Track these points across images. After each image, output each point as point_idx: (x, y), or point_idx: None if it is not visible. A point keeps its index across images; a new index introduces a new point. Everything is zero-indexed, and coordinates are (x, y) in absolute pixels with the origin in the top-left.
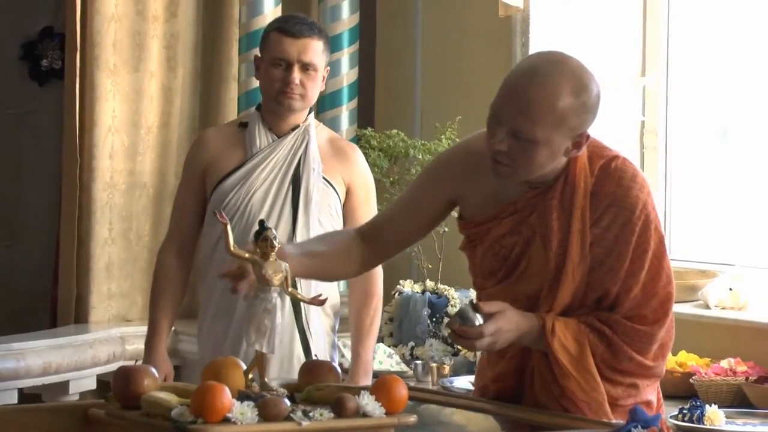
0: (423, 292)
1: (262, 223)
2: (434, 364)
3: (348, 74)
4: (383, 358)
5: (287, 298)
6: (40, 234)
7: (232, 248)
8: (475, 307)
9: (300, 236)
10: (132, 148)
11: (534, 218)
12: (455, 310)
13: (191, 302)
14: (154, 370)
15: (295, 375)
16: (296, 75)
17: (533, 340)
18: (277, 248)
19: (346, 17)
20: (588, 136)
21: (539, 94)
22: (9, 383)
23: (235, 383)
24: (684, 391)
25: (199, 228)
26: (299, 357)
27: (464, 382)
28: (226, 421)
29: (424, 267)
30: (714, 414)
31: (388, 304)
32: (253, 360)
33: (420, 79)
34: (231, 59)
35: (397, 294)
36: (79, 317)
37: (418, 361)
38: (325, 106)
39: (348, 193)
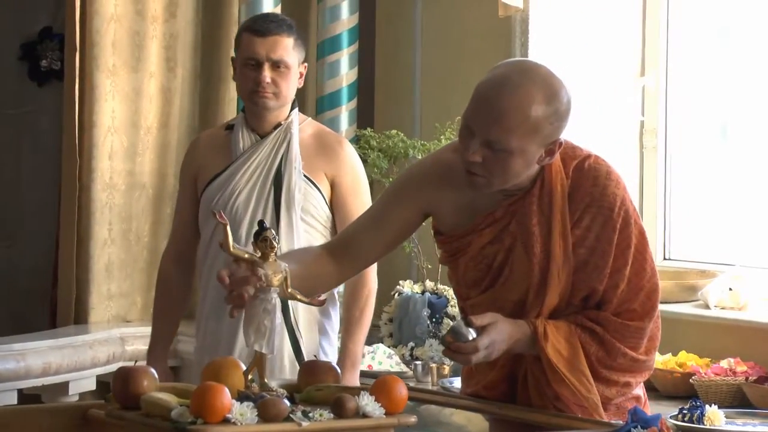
0: (423, 292)
1: (261, 223)
2: (434, 365)
3: (347, 74)
4: (383, 358)
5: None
6: (39, 234)
7: (231, 248)
8: (467, 322)
9: (284, 236)
10: (131, 148)
11: (514, 225)
12: (455, 310)
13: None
14: (153, 370)
15: (287, 375)
16: (267, 73)
17: (526, 346)
18: (276, 248)
19: (346, 17)
20: (561, 143)
21: (511, 104)
22: (9, 384)
23: (235, 384)
24: (684, 391)
25: (197, 232)
26: (290, 356)
27: None
28: (226, 421)
29: (424, 267)
30: (714, 414)
31: (388, 305)
32: (252, 360)
33: (419, 80)
34: (230, 59)
35: (396, 294)
36: (79, 318)
37: (418, 362)
38: (324, 106)
39: (334, 187)
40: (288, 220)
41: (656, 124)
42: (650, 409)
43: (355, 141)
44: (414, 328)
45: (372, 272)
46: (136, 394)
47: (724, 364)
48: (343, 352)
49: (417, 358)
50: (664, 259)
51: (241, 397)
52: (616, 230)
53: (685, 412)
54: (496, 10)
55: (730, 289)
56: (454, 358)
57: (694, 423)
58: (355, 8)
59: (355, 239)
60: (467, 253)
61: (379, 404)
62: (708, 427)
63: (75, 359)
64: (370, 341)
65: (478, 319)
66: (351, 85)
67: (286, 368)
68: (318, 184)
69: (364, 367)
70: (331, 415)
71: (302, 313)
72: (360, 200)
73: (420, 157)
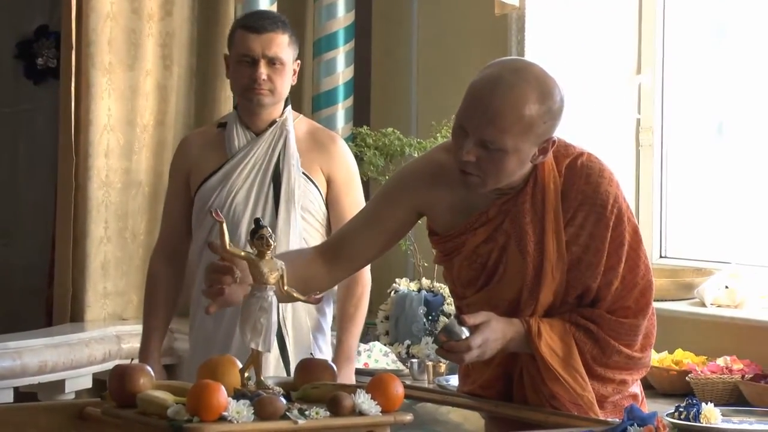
0: (419, 290)
1: (257, 221)
2: (430, 363)
3: (343, 72)
4: (379, 356)
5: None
6: (35, 232)
7: (228, 247)
8: (460, 321)
9: (282, 233)
10: (127, 146)
11: (507, 224)
12: (451, 308)
13: (185, 301)
14: (149, 368)
15: (271, 372)
16: (263, 70)
17: (520, 345)
18: (273, 246)
19: (342, 15)
20: (554, 142)
21: (506, 104)
22: (5, 382)
23: (231, 382)
24: (680, 389)
25: (188, 231)
26: (275, 353)
27: None
28: (222, 419)
29: (420, 265)
30: (710, 412)
31: (384, 303)
32: (248, 358)
33: (415, 78)
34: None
35: (393, 292)
36: (75, 316)
37: (414, 360)
38: (320, 104)
39: (329, 183)
40: (286, 217)
41: (652, 121)
42: (647, 407)
43: (351, 139)
44: (410, 326)
45: (366, 269)
46: (132, 392)
47: (720, 362)
48: (339, 347)
49: (413, 356)
50: (661, 256)
51: (237, 395)
52: (609, 228)
53: (681, 410)
54: (492, 8)
55: (727, 286)
56: (447, 357)
57: (690, 421)
58: (351, 6)
59: (349, 241)
60: (461, 252)
61: (376, 402)
62: (704, 425)
63: (71, 357)
64: (366, 339)
65: (471, 317)
66: (347, 83)
67: (272, 366)
68: (315, 180)
69: (360, 365)
70: (327, 413)
71: (293, 310)
72: (353, 197)
73: (416, 155)
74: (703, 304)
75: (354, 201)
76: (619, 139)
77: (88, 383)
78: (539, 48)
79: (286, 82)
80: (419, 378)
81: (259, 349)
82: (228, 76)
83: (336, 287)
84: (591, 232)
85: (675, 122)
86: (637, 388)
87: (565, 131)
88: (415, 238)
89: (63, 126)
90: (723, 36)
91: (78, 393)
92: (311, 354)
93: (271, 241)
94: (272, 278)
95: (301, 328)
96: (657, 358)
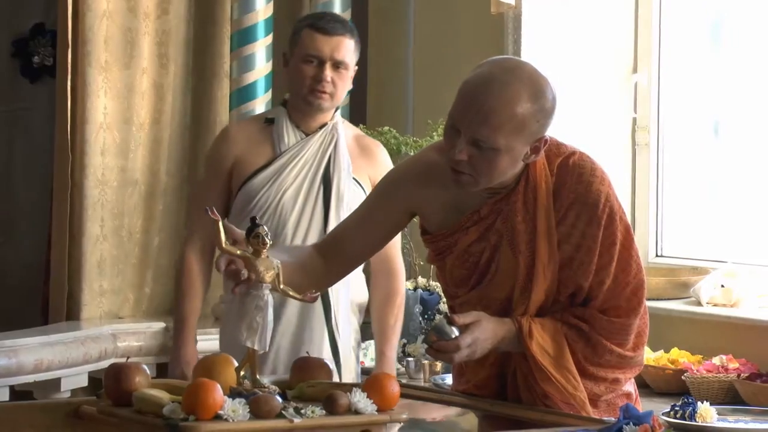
0: (415, 289)
1: (253, 219)
2: (426, 362)
3: None
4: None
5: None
6: (31, 231)
7: (224, 245)
8: (450, 320)
9: None
10: (124, 144)
11: (499, 223)
12: (446, 308)
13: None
14: (145, 367)
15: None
16: (328, 72)
17: (511, 344)
18: (269, 245)
19: (338, 13)
20: (546, 141)
21: (498, 102)
22: (0, 381)
23: (227, 380)
24: (676, 388)
25: None
26: (329, 359)
27: None
28: (218, 418)
29: (416, 264)
30: (706, 411)
31: None
32: (244, 357)
33: (412, 76)
34: (223, 56)
35: None
36: (71, 314)
37: (410, 359)
38: None
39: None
40: (336, 220)
41: (648, 121)
42: (642, 405)
43: None
44: (406, 325)
45: (401, 280)
46: (128, 391)
47: (716, 360)
48: (381, 359)
49: (409, 355)
50: (657, 255)
51: (233, 393)
52: (600, 227)
53: (677, 408)
54: (488, 7)
55: (723, 285)
56: (436, 356)
57: (686, 420)
58: (347, 4)
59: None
60: (454, 251)
61: (371, 401)
62: (700, 423)
63: (67, 356)
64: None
65: (461, 317)
66: None
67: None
68: (363, 185)
69: None
70: (323, 411)
71: (342, 314)
72: None
73: (412, 153)
74: (699, 303)
75: None
76: (615, 138)
77: (83, 382)
78: (535, 47)
79: (346, 87)
80: (415, 377)
81: (255, 347)
82: (285, 74)
83: (368, 296)
84: (583, 231)
85: (671, 121)
86: (630, 387)
87: (561, 130)
88: (411, 237)
89: (59, 124)
90: (719, 35)
91: (74, 391)
92: (307, 353)
93: (266, 239)
94: (268, 277)
95: (345, 332)
96: (653, 357)
